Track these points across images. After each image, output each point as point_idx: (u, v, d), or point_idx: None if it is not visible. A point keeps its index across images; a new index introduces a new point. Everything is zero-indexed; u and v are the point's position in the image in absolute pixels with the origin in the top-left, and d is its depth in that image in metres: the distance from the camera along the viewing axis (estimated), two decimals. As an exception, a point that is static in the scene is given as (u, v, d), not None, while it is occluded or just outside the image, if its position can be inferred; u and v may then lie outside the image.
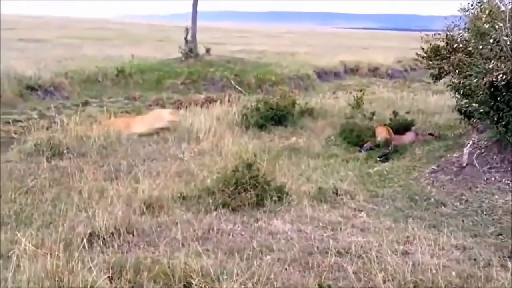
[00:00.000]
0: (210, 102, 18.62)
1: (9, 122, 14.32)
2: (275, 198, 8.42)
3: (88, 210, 7.36)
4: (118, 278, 5.65)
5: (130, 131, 13.13)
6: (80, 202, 7.83)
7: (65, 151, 10.79)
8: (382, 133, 12.70)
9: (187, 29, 25.59)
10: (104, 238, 6.54)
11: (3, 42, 27.95)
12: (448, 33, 12.87)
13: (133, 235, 6.83)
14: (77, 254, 5.83)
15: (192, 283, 5.59)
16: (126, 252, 6.31)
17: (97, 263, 5.78)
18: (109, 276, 5.57)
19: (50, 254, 5.72)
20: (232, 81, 22.67)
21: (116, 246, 6.42)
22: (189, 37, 25.58)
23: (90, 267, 5.57)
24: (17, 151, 11.06)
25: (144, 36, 42.39)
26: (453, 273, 5.86)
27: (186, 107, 17.50)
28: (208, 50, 26.18)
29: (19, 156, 10.70)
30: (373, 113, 15.21)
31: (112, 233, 6.66)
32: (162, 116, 14.06)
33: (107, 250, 6.29)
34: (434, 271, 5.85)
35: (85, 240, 6.28)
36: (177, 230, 6.96)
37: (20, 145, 11.48)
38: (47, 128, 12.92)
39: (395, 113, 14.54)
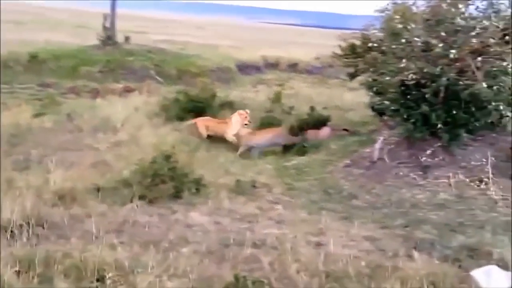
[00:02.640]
0: (128, 92, 18.22)
1: None
2: (193, 190, 8.42)
3: (-4, 201, 7.00)
4: (26, 272, 5.44)
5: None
6: (-14, 193, 7.43)
7: (-30, 139, 10.20)
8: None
9: (105, 16, 24.83)
10: (12, 231, 6.25)
11: None
12: (364, 32, 13.28)
13: (44, 228, 6.59)
14: (-17, 248, 5.57)
15: (106, 277, 5.49)
16: (36, 245, 6.07)
17: (4, 256, 5.53)
18: (16, 270, 5.34)
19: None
20: (152, 71, 22.26)
21: (24, 239, 6.16)
22: (107, 24, 24.82)
23: (-3, 261, 5.33)
24: None
25: (62, 21, 40.65)
26: (363, 263, 6.12)
27: (103, 96, 17.04)
28: (127, 38, 25.54)
29: None
30: (291, 108, 15.49)
31: (21, 226, 6.38)
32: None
33: (15, 243, 6.02)
34: (345, 262, 6.08)
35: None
36: (90, 222, 6.79)
37: None
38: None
39: (312, 108, 14.88)
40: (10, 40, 23.53)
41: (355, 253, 6.48)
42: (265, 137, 12.72)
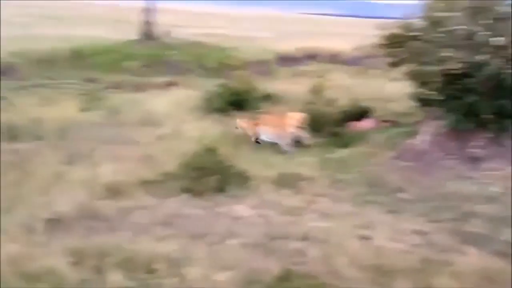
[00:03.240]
0: (170, 86, 18.40)
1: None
2: (237, 183, 8.45)
3: (47, 195, 7.21)
4: (80, 264, 5.58)
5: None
6: (40, 186, 7.64)
7: (21, 134, 10.49)
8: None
9: (146, 10, 25.15)
10: (65, 223, 6.43)
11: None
12: (405, 21, 13.05)
13: (95, 220, 6.74)
14: (38, 239, 5.74)
15: (156, 269, 5.59)
16: (88, 237, 6.22)
17: (59, 248, 5.70)
18: (71, 261, 5.49)
19: (11, 239, 5.60)
20: (192, 65, 22.43)
21: (77, 231, 6.32)
22: (148, 19, 25.15)
23: (51, 252, 5.49)
24: (-31, 134, 10.67)
25: (103, 17, 41.32)
26: (413, 257, 6.04)
27: (145, 90, 17.30)
28: (167, 33, 25.82)
29: (-28, 139, 10.33)
30: (332, 100, 15.34)
31: (74, 218, 6.55)
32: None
33: (69, 235, 6.18)
34: (394, 256, 6.02)
35: (46, 225, 6.17)
36: (139, 215, 6.92)
37: (-28, 127, 11.10)
38: (1, 110, 12.53)
39: (353, 100, 14.72)
40: (52, 36, 24.10)
41: (404, 247, 6.40)
42: (267, 131, 11.56)
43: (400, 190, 8.78)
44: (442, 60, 9.85)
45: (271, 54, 24.89)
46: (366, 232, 6.84)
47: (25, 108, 12.22)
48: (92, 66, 21.22)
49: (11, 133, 10.43)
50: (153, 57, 22.31)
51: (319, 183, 9.03)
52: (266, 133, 11.60)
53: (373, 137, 11.90)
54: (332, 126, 13.04)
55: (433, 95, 10.47)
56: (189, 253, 6.02)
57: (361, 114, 13.80)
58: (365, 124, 13.22)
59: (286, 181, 8.87)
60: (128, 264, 5.66)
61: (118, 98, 15.53)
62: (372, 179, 9.30)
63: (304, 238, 6.68)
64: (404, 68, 13.04)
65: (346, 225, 7.00)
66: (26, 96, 14.29)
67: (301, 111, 14.12)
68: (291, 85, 19.52)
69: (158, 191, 7.96)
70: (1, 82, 16.72)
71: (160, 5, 26.70)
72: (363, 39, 29.28)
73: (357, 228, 6.98)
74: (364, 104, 14.73)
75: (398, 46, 13.14)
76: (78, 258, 5.70)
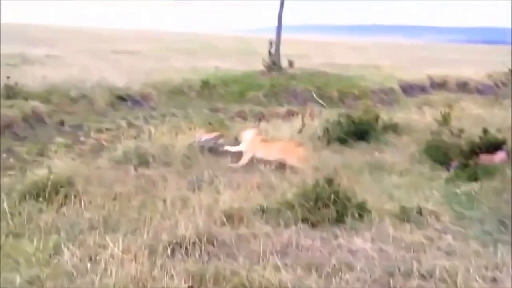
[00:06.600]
0: (291, 115, 18.68)
1: (100, 130, 15.06)
2: (355, 215, 8.25)
3: (171, 219, 7.57)
4: (199, 287, 5.76)
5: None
6: (164, 210, 8.06)
7: (151, 160, 11.18)
8: None
9: (271, 42, 25.90)
10: (186, 247, 6.68)
11: (98, 54, 29.59)
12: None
13: (214, 246, 6.93)
14: (160, 261, 6.02)
15: (270, 297, 5.60)
16: (207, 262, 6.41)
17: (179, 271, 5.92)
18: (189, 286, 5.68)
19: (135, 260, 5.94)
20: (314, 94, 22.63)
21: (197, 256, 6.53)
22: (272, 50, 25.87)
23: (172, 275, 5.72)
24: (107, 159, 11.59)
25: (229, 49, 43.28)
26: (548, 305, 5.48)
27: (268, 120, 17.71)
28: (291, 63, 26.34)
29: (109, 164, 11.19)
30: (461, 130, 14.59)
31: (194, 243, 6.79)
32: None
33: (189, 259, 6.41)
34: (526, 302, 5.50)
35: (168, 248, 6.46)
36: (256, 242, 6.99)
37: (109, 153, 12.05)
38: (135, 137, 13.50)
39: (485, 131, 13.87)
40: (184, 68, 25.67)
41: (537, 292, 5.83)
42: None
43: (535, 229, 8.06)
44: None
45: (395, 82, 24.34)
46: (494, 274, 6.32)
47: (156, 135, 13.00)
48: (219, 96, 22.25)
49: (142, 159, 11.14)
50: (276, 87, 22.84)
51: (444, 218, 8.55)
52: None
53: (505, 171, 11.09)
54: (460, 158, 12.42)
55: None
56: (304, 284, 5.95)
57: (493, 146, 12.98)
58: (497, 156, 12.40)
59: (408, 215, 8.50)
60: (244, 291, 5.73)
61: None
62: (504, 216, 8.62)
63: (426, 276, 6.32)
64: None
65: (472, 264, 6.52)
66: (158, 125, 15.23)
67: (427, 142, 13.64)
68: (416, 115, 18.91)
69: (276, 220, 8.00)
70: (136, 111, 18.10)
71: (285, 36, 27.38)
72: (495, 66, 27.71)
73: (485, 268, 6.47)
74: (497, 135, 13.84)
75: (535, 74, 12.30)
76: (197, 282, 5.88)
